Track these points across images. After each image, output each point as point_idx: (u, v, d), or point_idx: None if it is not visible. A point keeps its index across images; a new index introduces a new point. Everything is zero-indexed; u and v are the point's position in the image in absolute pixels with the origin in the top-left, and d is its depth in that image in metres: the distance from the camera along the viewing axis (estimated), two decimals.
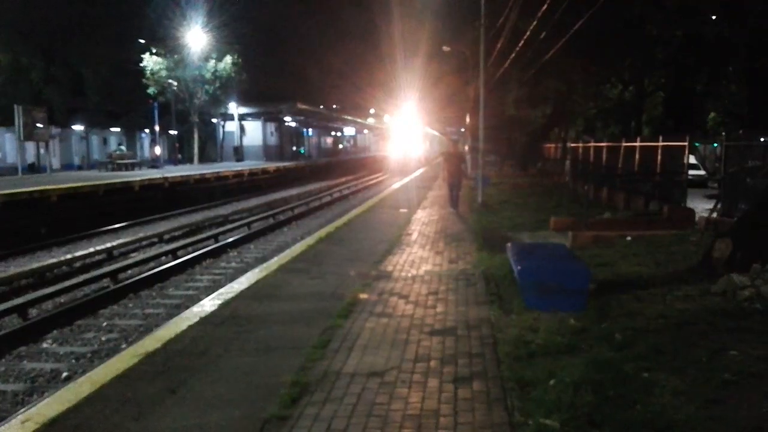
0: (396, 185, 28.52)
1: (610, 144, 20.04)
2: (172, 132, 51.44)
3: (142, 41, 41.14)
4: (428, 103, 51.95)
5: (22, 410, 4.81)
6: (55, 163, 44.42)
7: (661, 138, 16.00)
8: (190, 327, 6.25)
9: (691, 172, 25.33)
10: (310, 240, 12.13)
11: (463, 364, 5.20)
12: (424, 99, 52.73)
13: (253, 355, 5.46)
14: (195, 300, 9.54)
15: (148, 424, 4.11)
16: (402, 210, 17.47)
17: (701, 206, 15.52)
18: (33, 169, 39.02)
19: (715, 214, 12.18)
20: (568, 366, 5.01)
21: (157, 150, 43.77)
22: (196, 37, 41.28)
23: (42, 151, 36.40)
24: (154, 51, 41.38)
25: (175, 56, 42.04)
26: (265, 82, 49.38)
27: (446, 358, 5.36)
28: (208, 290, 10.43)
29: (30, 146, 39.35)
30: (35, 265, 13.16)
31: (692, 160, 28.88)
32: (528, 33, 17.53)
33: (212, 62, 43.59)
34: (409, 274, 8.82)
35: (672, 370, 4.93)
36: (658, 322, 6.25)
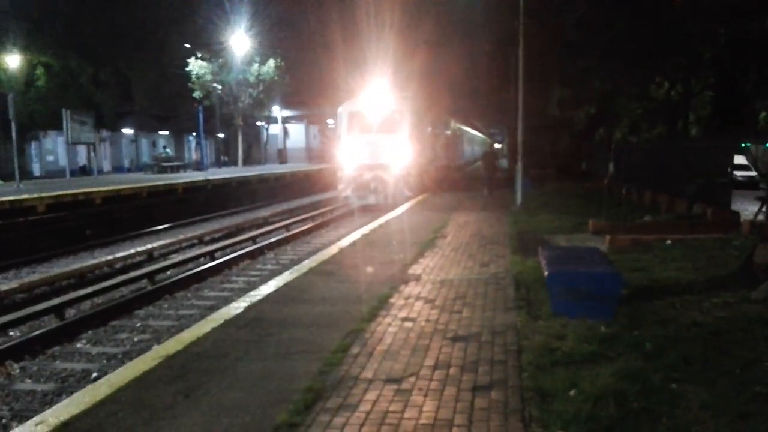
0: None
1: (652, 144, 19.53)
2: (219, 135, 52.34)
3: (188, 46, 41.88)
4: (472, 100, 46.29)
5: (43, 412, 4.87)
6: (106, 165, 45.75)
7: (707, 139, 15.51)
8: (214, 330, 6.27)
9: (742, 173, 24.60)
10: (343, 242, 12.11)
11: (484, 371, 5.08)
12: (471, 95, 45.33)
13: (272, 359, 5.43)
14: (228, 302, 9.55)
15: (157, 428, 4.11)
16: (439, 213, 17.30)
17: (750, 209, 14.99)
18: (84, 171, 40.19)
19: (760, 217, 11.73)
20: (592, 376, 4.85)
21: (196, 154, 44.47)
22: (239, 41, 41.80)
23: (92, 154, 37.41)
24: (199, 55, 42.08)
25: (220, 60, 42.67)
26: (308, 85, 49.73)
27: (467, 365, 5.24)
28: (242, 292, 10.47)
29: (81, 149, 40.55)
30: (77, 265, 13.48)
31: (743, 160, 28.05)
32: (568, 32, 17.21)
33: (256, 66, 44.09)
34: (438, 278, 8.71)
35: (702, 382, 4.73)
36: (691, 330, 6.02)
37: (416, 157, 22.78)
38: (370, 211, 21.10)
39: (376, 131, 22.36)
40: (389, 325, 6.43)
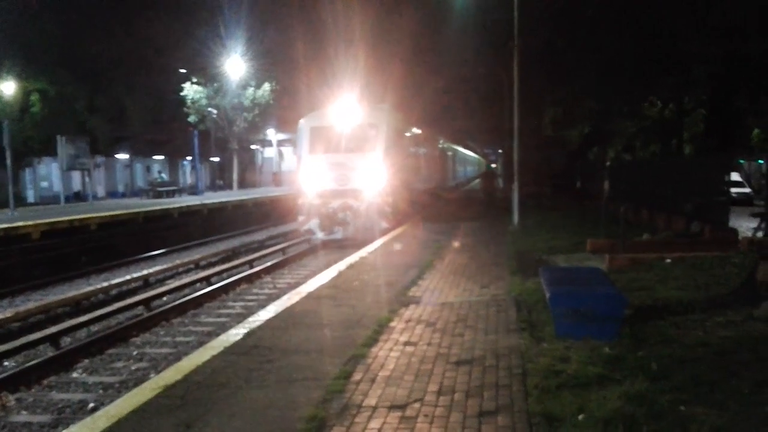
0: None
1: (648, 162, 19.59)
2: (214, 159, 52.36)
3: (183, 71, 42.02)
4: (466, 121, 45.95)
5: None
6: (101, 191, 45.63)
7: (701, 156, 15.56)
8: (213, 357, 6.17)
9: (736, 189, 24.68)
10: (340, 265, 12.03)
11: (489, 396, 5.00)
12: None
13: (274, 387, 5.34)
14: (226, 328, 9.51)
15: None
16: (435, 236, 17.19)
17: (746, 225, 14.98)
18: (79, 197, 40.08)
19: (759, 234, 11.71)
20: (599, 399, 4.77)
21: (191, 178, 44.46)
22: (234, 65, 41.97)
23: (87, 179, 37.34)
24: (194, 80, 42.22)
25: (215, 85, 42.81)
26: (303, 107, 49.84)
27: (472, 390, 5.16)
28: (241, 317, 10.37)
29: (76, 175, 40.48)
30: (72, 293, 13.36)
31: (737, 177, 28.16)
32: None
33: (251, 90, 44.21)
34: (439, 300, 8.64)
35: (711, 403, 4.66)
36: (697, 350, 5.95)
37: (394, 181, 19.01)
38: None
39: (345, 149, 18.84)
40: (391, 349, 6.35)
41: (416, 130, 24.30)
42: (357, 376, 5.53)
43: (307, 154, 19.18)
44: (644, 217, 17.25)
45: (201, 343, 8.70)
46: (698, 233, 13.01)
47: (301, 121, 19.91)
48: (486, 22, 26.49)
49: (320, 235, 18.84)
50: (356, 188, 18.47)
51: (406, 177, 20.84)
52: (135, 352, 9.16)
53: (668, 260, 10.55)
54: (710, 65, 20.54)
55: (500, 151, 55.47)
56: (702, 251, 10.94)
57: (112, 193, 47.13)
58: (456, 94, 38.28)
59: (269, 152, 56.38)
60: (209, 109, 42.72)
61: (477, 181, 52.79)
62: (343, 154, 18.73)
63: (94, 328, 10.46)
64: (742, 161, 35.65)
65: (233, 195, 36.33)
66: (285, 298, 9.21)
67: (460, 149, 45.43)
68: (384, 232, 17.76)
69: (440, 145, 31.88)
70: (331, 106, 19.94)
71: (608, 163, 27.47)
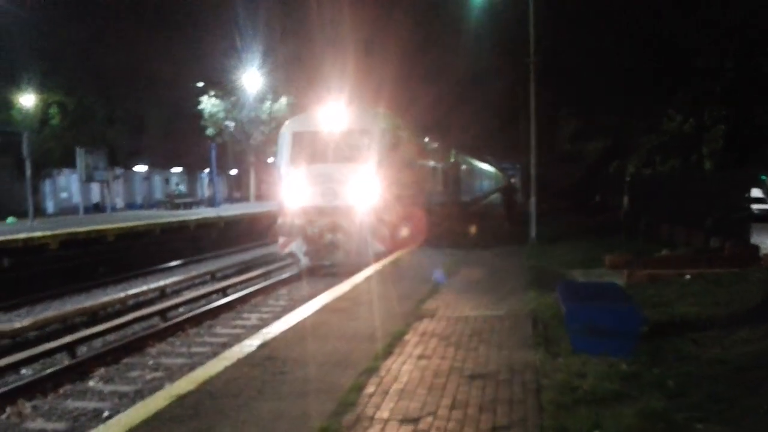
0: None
1: (668, 177, 19.47)
2: (231, 171, 52.69)
3: (200, 84, 42.42)
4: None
5: None
6: (119, 202, 46.09)
7: (722, 171, 15.42)
8: (227, 368, 6.17)
9: (757, 206, 24.44)
10: (356, 279, 12.02)
11: (503, 412, 4.94)
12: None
13: (286, 398, 5.33)
14: (241, 339, 9.49)
15: None
16: (449, 251, 17.03)
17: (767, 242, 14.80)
18: (98, 208, 40.51)
19: None
20: (615, 415, 4.72)
21: (208, 190, 44.79)
22: (251, 79, 42.27)
23: (106, 191, 37.75)
24: (211, 93, 42.59)
25: (232, 98, 43.15)
26: None
27: (485, 404, 5.11)
28: (255, 329, 10.38)
29: (95, 186, 40.96)
30: (89, 303, 13.47)
31: (758, 193, 27.89)
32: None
33: (268, 103, 44.48)
34: (453, 314, 8.59)
35: (728, 421, 4.58)
36: (715, 367, 5.86)
37: (391, 196, 16.28)
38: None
39: (333, 159, 16.21)
40: (404, 362, 6.31)
41: (421, 139, 22.08)
42: (370, 389, 5.51)
43: (289, 165, 16.56)
44: (663, 232, 17.08)
45: (216, 354, 8.72)
46: (718, 249, 12.86)
47: (284, 126, 17.51)
48: (504, 38, 26.50)
49: (305, 261, 16.46)
50: (346, 204, 15.91)
51: (407, 191, 18.16)
52: (150, 362, 9.20)
53: (687, 276, 10.43)
54: (722, 82, 20.46)
55: (518, 165, 55.32)
56: (722, 267, 10.81)
57: (130, 205, 47.61)
58: (473, 106, 38.31)
59: None
60: (226, 122, 43.06)
61: (494, 195, 52.57)
62: (331, 165, 16.18)
63: (111, 337, 10.53)
64: (763, 177, 35.24)
65: (250, 207, 36.50)
66: (300, 310, 9.21)
67: (476, 163, 43.31)
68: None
69: (452, 158, 29.45)
70: (318, 109, 17.39)
71: (628, 178, 27.24)
